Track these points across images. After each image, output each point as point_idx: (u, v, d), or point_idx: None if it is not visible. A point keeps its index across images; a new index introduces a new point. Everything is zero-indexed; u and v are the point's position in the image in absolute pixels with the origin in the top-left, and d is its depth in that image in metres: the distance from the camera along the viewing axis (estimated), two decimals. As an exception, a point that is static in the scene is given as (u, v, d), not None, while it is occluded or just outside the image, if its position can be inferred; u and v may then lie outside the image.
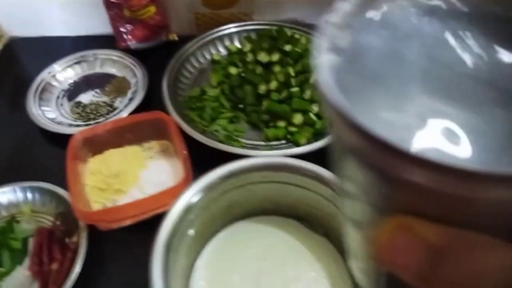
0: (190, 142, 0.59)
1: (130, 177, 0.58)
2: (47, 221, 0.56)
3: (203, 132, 0.61)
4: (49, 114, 0.68)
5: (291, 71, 0.63)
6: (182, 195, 0.42)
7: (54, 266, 0.51)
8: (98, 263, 0.53)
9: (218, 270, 0.47)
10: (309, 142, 0.59)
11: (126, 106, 0.68)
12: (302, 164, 0.45)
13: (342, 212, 0.20)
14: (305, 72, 0.64)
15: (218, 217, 0.48)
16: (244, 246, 0.48)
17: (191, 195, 0.43)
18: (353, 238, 0.20)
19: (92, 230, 0.54)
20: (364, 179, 0.15)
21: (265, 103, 0.63)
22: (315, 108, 0.62)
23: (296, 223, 0.50)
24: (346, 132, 0.14)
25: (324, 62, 0.16)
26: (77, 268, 0.49)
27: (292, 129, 0.62)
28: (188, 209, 0.42)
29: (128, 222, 0.54)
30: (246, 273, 0.46)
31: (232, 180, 0.45)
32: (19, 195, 0.58)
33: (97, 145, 0.61)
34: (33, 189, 0.58)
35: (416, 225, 0.14)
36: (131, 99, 0.69)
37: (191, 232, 0.44)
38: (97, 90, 0.72)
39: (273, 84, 0.63)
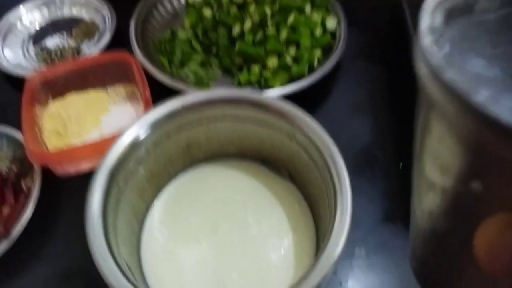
0: (157, 87, 0.55)
1: (90, 121, 0.55)
2: (4, 165, 0.53)
3: (172, 77, 0.57)
4: (13, 58, 0.64)
5: (267, 9, 0.58)
6: (128, 129, 0.39)
7: (6, 209, 0.48)
8: (53, 209, 0.50)
9: (174, 212, 0.44)
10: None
11: (92, 49, 0.64)
12: (262, 98, 0.41)
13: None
14: (282, 12, 0.59)
15: (175, 158, 0.45)
16: (204, 189, 0.45)
17: (139, 129, 0.39)
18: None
19: (50, 176, 0.51)
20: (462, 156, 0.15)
21: (238, 45, 0.58)
22: (291, 50, 0.58)
23: (260, 166, 0.46)
24: (458, 115, 0.13)
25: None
26: (27, 213, 0.47)
27: (266, 73, 0.58)
28: (136, 145, 0.39)
29: (86, 168, 0.51)
30: (204, 217, 0.43)
31: (187, 115, 0.41)
32: (-26, 138, 0.55)
33: (57, 88, 0.57)
34: (-11, 132, 0.55)
35: None
36: (98, 42, 0.64)
37: (141, 170, 0.41)
38: (64, 34, 0.68)
39: (248, 24, 0.58)
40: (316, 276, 0.30)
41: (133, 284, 0.31)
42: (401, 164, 0.52)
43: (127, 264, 0.35)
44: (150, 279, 0.40)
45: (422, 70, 0.15)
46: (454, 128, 0.14)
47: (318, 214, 0.41)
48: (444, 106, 0.14)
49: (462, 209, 0.16)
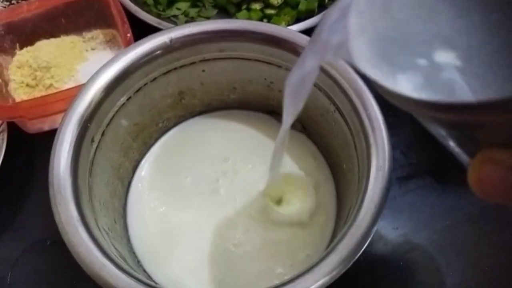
0: (140, 29, 0.46)
1: (64, 71, 0.47)
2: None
3: (158, 19, 0.49)
4: (-28, 2, 0.55)
5: None
6: (104, 68, 0.31)
7: (-34, 174, 0.41)
8: (23, 172, 0.43)
9: (166, 172, 0.37)
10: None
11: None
12: (272, 28, 0.33)
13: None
14: None
15: (165, 109, 0.37)
16: (201, 144, 0.38)
17: (116, 68, 0.31)
18: None
19: (19, 135, 0.43)
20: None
21: (235, -21, 0.49)
22: (298, -17, 0.49)
23: (267, 116, 0.39)
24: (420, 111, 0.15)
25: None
26: (-7, 175, 0.39)
27: (269, 11, 0.49)
28: (112, 88, 0.31)
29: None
30: (201, 176, 0.36)
31: (176, 51, 0.33)
32: None
33: (24, 33, 0.49)
34: None
35: (495, 155, 0.15)
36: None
37: (123, 122, 0.33)
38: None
39: (246, -46, 0.50)
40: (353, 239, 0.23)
41: (109, 257, 0.24)
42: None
43: (107, 234, 0.28)
44: (138, 249, 0.33)
45: None
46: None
47: (338, 167, 0.34)
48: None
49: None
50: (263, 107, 0.39)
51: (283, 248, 0.32)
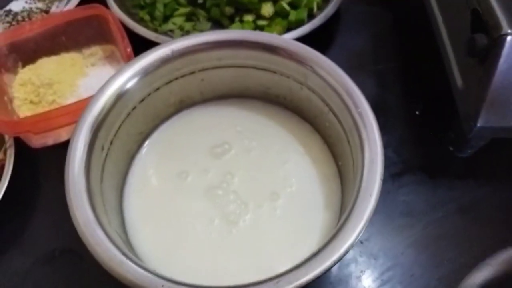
0: (138, 45, 0.48)
1: (65, 86, 0.48)
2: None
3: (155, 33, 0.51)
4: (-27, 24, 0.57)
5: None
6: (110, 81, 0.33)
7: (-24, 188, 0.42)
8: (30, 186, 0.45)
9: (163, 163, 0.37)
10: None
11: (63, 9, 0.56)
12: (268, 37, 0.35)
13: None
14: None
15: (164, 113, 0.39)
16: (201, 131, 0.39)
17: (123, 79, 0.33)
18: None
19: (24, 149, 0.44)
20: None
21: (227, -7, 0.52)
22: (287, -6, 0.52)
23: (266, 104, 0.40)
24: None
25: None
26: (1, 190, 0.40)
27: (261, 22, 0.52)
28: (118, 98, 0.33)
29: (64, 137, 0.45)
30: (201, 164, 0.36)
31: (177, 62, 0.35)
32: None
33: (26, 52, 0.51)
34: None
35: None
36: (68, 2, 0.57)
37: (129, 130, 0.35)
38: (30, -5, 0.61)
39: (237, -31, 0.52)
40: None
41: (125, 254, 0.26)
42: (417, 112, 0.48)
43: (120, 236, 0.30)
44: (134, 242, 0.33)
45: None
46: None
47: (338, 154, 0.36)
48: None
49: None
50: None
51: (290, 237, 0.33)
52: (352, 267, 0.39)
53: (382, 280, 0.38)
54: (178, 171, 0.36)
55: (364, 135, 0.29)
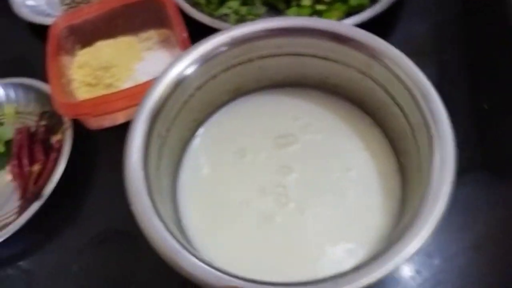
0: (194, 29, 0.48)
1: (123, 70, 0.49)
2: (32, 122, 0.49)
3: (210, 18, 0.50)
4: (36, 5, 0.59)
5: None
6: (170, 67, 0.32)
7: (36, 167, 0.44)
8: (86, 166, 0.46)
9: (219, 151, 0.37)
10: (340, 21, 0.47)
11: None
12: (331, 24, 0.33)
13: None
14: None
15: (219, 100, 0.38)
16: (259, 119, 0.38)
17: (182, 68, 0.32)
18: None
19: (82, 131, 0.46)
20: None
21: (285, -24, 0.50)
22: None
23: (325, 94, 0.38)
24: None
25: None
26: (59, 171, 0.42)
27: (320, 7, 0.50)
28: (177, 84, 0.32)
29: (121, 119, 0.46)
30: (253, 152, 0.36)
31: (236, 50, 0.34)
32: (1, 93, 0.50)
33: (85, 35, 0.51)
34: (16, 86, 0.50)
35: None
36: (127, -15, 0.57)
37: (185, 117, 0.35)
38: (89, -23, 0.62)
39: (295, -50, 0.50)
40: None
41: (184, 246, 0.25)
42: (485, 106, 0.44)
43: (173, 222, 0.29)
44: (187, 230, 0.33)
45: None
46: None
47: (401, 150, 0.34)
48: None
49: None
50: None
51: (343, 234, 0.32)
52: (406, 266, 0.37)
53: (437, 280, 0.36)
54: (234, 158, 0.35)
55: (434, 133, 0.27)
